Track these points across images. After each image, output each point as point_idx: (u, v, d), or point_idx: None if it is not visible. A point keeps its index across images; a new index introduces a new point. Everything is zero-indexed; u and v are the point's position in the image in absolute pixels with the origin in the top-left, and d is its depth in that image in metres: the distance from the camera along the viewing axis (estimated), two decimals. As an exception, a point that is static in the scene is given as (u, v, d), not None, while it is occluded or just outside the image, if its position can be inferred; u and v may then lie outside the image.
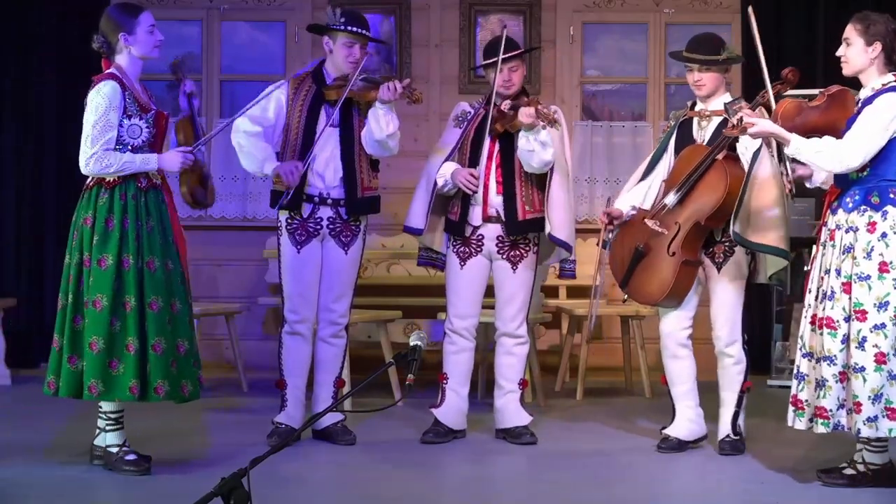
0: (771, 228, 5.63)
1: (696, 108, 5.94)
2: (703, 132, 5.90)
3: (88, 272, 5.24)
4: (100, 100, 5.23)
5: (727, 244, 5.81)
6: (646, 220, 5.82)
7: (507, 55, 5.99)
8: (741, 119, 5.22)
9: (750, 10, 5.48)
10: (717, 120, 5.83)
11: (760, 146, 5.51)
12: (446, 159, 6.10)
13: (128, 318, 5.21)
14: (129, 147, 5.30)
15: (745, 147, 5.65)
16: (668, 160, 5.99)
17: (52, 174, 8.34)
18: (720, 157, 5.75)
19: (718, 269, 5.86)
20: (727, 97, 5.85)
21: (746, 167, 5.64)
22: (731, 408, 5.91)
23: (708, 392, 6.16)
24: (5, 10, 8.38)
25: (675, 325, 5.93)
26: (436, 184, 6.07)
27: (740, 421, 5.93)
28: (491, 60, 6.04)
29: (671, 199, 5.78)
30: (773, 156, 5.55)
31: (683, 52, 5.89)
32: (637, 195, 6.02)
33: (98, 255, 5.24)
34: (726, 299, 5.85)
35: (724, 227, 5.75)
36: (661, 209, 5.82)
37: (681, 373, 5.97)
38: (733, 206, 5.62)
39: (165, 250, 5.33)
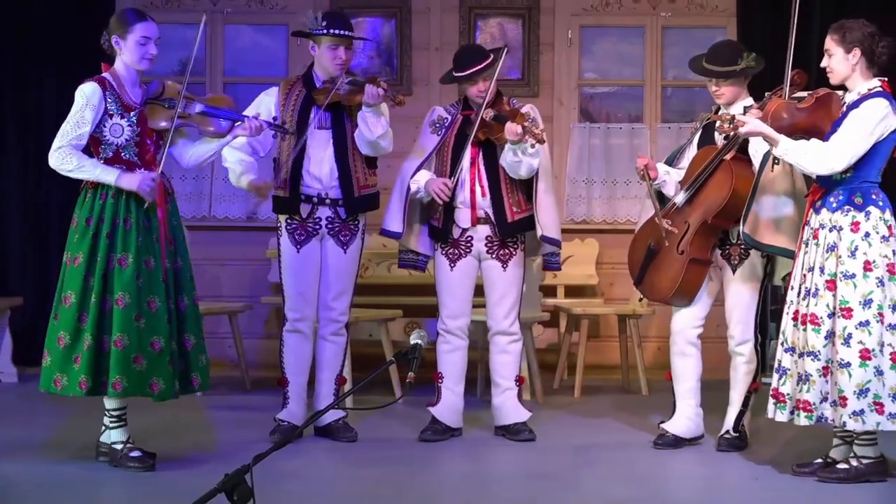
0: (782, 230, 5.63)
1: (720, 112, 5.93)
2: (722, 135, 5.91)
3: (67, 270, 5.31)
4: (78, 98, 5.30)
5: (743, 246, 5.82)
6: (657, 218, 5.85)
7: (479, 67, 5.99)
8: (734, 118, 5.25)
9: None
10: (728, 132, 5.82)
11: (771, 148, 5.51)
12: (421, 165, 6.11)
13: (91, 313, 5.23)
14: (114, 145, 5.32)
15: (756, 150, 5.66)
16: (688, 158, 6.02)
17: (55, 176, 8.30)
18: (728, 157, 5.76)
19: (734, 271, 5.87)
20: (748, 101, 5.84)
21: (756, 168, 5.66)
22: (736, 406, 5.93)
23: (711, 390, 6.17)
24: (7, 11, 8.38)
25: (685, 324, 5.94)
26: (409, 189, 6.09)
27: (744, 420, 5.93)
28: (467, 73, 6.02)
29: (680, 197, 5.81)
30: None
31: (704, 63, 5.88)
32: (670, 170, 6.02)
33: (74, 254, 5.29)
34: (740, 300, 5.86)
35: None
36: (672, 208, 5.85)
37: (686, 370, 5.97)
38: (739, 205, 5.63)
39: (146, 248, 5.31)
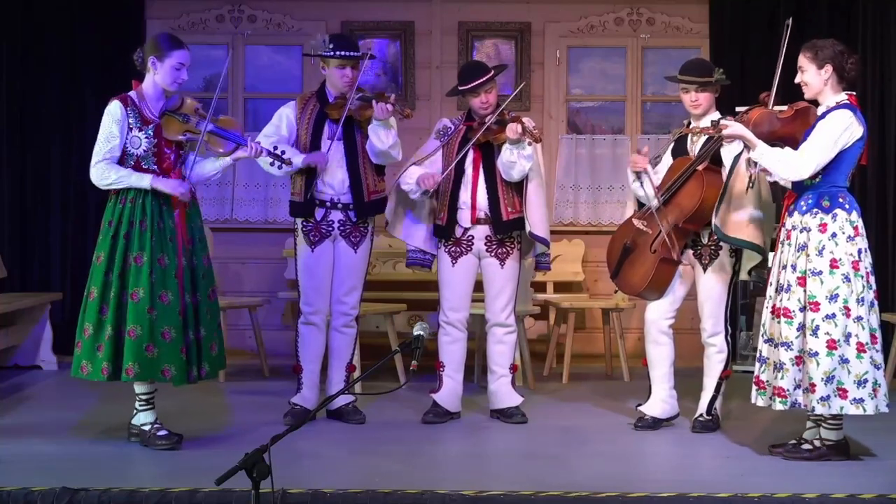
0: (747, 226, 5.64)
1: (691, 126, 5.92)
2: (694, 146, 5.90)
3: (92, 268, 5.34)
4: (105, 117, 5.33)
5: (713, 247, 5.81)
6: (633, 219, 5.84)
7: (481, 80, 5.99)
8: (718, 121, 5.23)
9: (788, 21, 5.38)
10: (706, 135, 5.81)
11: (741, 152, 5.49)
12: (412, 163, 6.10)
13: (110, 306, 5.25)
14: (134, 156, 5.33)
15: (728, 152, 5.65)
16: (664, 166, 5.99)
17: (92, 186, 8.29)
18: (700, 168, 5.76)
19: (705, 269, 5.86)
20: (716, 115, 5.83)
21: (727, 171, 5.63)
22: (709, 392, 5.92)
23: (685, 377, 6.16)
24: (55, 34, 8.38)
25: (658, 315, 5.92)
26: (398, 186, 6.10)
27: (717, 405, 5.93)
28: (471, 86, 6.01)
29: (656, 202, 5.79)
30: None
31: (679, 76, 5.87)
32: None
33: (98, 254, 5.32)
34: (711, 295, 5.85)
35: (710, 230, 5.73)
36: (647, 211, 5.83)
37: (659, 357, 5.96)
38: (709, 211, 5.64)
39: (160, 247, 5.31)
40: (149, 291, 5.24)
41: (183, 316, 5.33)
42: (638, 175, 5.86)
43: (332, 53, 5.90)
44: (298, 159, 5.84)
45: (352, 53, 5.93)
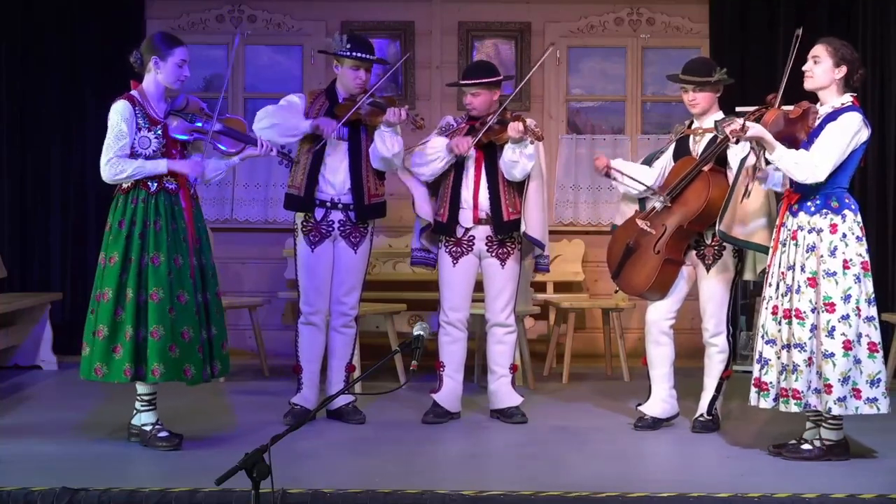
0: (758, 228, 5.63)
1: (693, 126, 5.91)
2: (696, 146, 5.89)
3: (103, 269, 5.30)
4: (113, 115, 5.30)
5: (716, 247, 5.81)
6: (637, 220, 5.84)
7: (472, 82, 6.02)
8: (744, 122, 5.19)
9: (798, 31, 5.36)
10: (709, 136, 5.80)
11: (747, 154, 5.48)
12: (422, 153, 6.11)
13: (127, 308, 5.23)
14: (143, 156, 5.31)
15: (735, 154, 5.64)
16: (663, 165, 5.99)
17: (93, 184, 8.31)
18: (706, 169, 5.75)
19: (707, 269, 5.85)
20: (719, 115, 5.82)
21: (734, 173, 5.62)
22: (710, 392, 5.92)
23: (686, 377, 6.15)
24: (55, 34, 8.38)
25: (659, 315, 5.92)
26: (416, 173, 6.10)
27: (717, 405, 5.93)
28: (463, 83, 6.06)
29: (660, 203, 5.78)
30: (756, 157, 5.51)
31: (679, 75, 5.87)
32: (639, 170, 6.03)
33: (109, 254, 5.29)
34: (713, 296, 5.84)
35: (714, 231, 5.72)
36: (651, 211, 5.83)
37: (660, 357, 5.96)
38: (713, 213, 5.64)
39: (175, 247, 5.30)
40: (168, 292, 5.24)
41: (198, 315, 5.34)
42: (608, 175, 5.90)
43: (347, 53, 5.90)
44: (305, 124, 5.83)
45: (367, 56, 5.93)
